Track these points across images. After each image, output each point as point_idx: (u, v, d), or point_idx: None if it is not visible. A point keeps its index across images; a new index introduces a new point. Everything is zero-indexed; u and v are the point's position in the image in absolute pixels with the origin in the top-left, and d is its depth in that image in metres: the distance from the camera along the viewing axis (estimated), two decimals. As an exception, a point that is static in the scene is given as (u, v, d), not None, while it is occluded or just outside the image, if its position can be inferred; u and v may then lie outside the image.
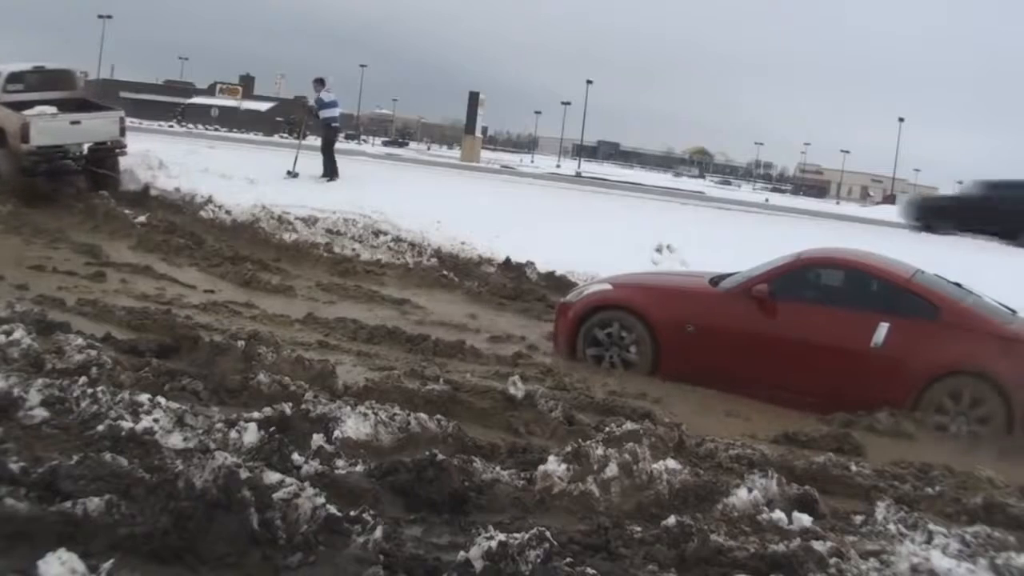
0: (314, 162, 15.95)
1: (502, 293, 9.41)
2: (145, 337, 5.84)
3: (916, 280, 6.58)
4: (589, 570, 2.90)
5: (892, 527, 3.64)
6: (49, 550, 2.53)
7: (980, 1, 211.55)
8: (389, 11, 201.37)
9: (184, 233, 10.62)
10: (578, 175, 39.10)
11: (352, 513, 3.08)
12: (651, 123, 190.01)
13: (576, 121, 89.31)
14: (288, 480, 3.13)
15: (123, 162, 13.20)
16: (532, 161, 64.70)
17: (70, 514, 2.83)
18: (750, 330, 6.47)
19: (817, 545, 3.24)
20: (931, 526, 3.60)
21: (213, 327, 6.39)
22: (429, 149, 66.35)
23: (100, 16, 71.57)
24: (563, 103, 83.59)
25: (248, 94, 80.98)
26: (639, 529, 3.40)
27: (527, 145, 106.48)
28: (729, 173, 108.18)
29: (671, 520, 3.38)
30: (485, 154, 38.70)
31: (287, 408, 4.24)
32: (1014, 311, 6.64)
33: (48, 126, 11.99)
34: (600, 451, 3.90)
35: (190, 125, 55.22)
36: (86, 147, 12.44)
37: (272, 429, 3.89)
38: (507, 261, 10.58)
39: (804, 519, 3.57)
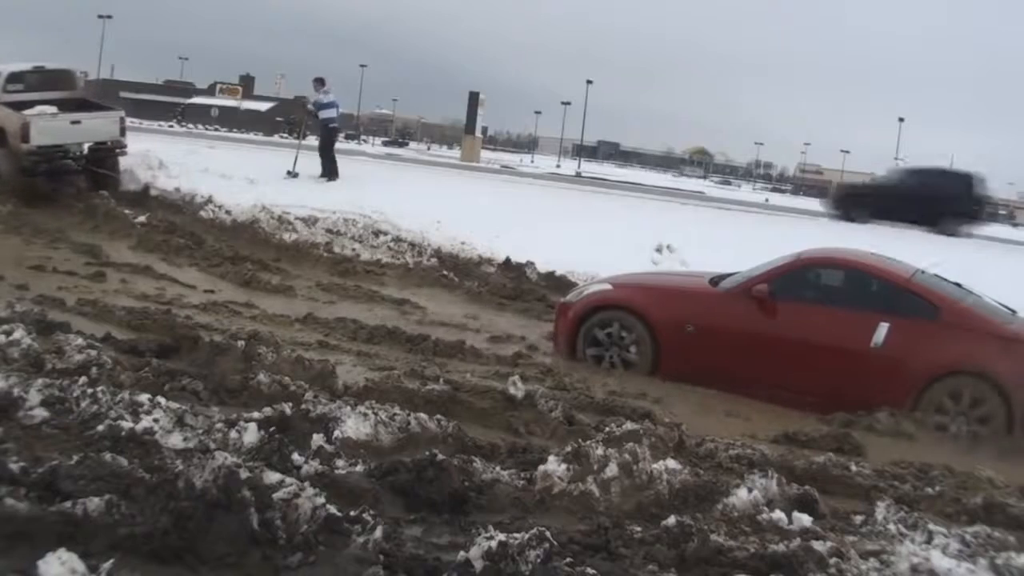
0: (314, 162, 15.97)
1: (502, 293, 9.40)
2: (145, 337, 5.84)
3: (916, 280, 6.58)
4: (589, 570, 2.90)
5: (892, 527, 3.64)
6: (49, 550, 2.53)
7: (980, 1, 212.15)
8: (389, 11, 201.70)
9: (184, 233, 10.60)
10: (578, 175, 39.06)
11: (352, 513, 3.08)
12: (651, 123, 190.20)
13: (576, 121, 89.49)
14: (288, 480, 3.13)
15: (123, 162, 13.19)
16: (532, 161, 64.57)
17: (70, 514, 2.83)
18: (750, 330, 6.48)
19: (817, 545, 3.24)
20: (931, 526, 3.60)
21: (213, 327, 6.39)
22: (429, 149, 66.29)
23: (100, 16, 71.70)
24: (563, 103, 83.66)
25: (248, 94, 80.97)
26: (639, 529, 3.40)
27: (527, 145, 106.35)
28: (729, 173, 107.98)
29: (671, 520, 3.38)
30: (485, 154, 38.71)
31: (287, 408, 4.24)
32: (1014, 311, 6.64)
33: (48, 126, 11.98)
34: (600, 451, 3.90)
35: (190, 125, 55.21)
36: (86, 147, 12.43)
37: (272, 429, 3.89)
38: (507, 261, 10.57)
39: (804, 519, 3.57)
